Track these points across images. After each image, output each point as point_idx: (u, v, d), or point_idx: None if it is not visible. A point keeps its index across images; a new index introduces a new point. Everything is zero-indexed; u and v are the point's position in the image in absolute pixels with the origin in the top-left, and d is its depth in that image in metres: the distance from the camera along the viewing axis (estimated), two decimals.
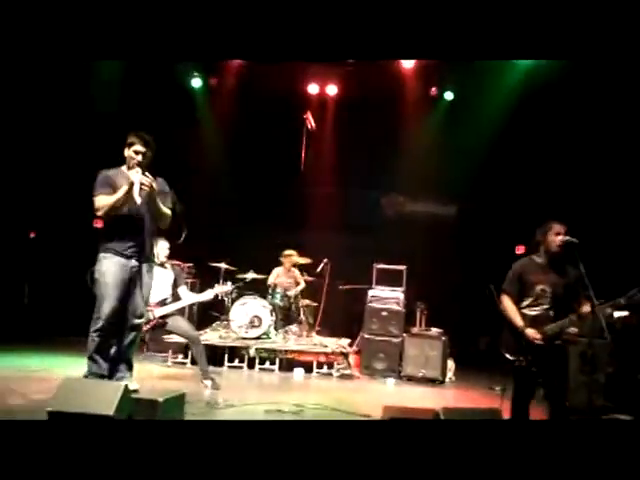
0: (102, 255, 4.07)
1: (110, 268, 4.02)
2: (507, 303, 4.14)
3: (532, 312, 4.05)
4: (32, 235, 8.95)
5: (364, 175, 9.56)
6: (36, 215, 8.84)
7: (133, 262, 4.09)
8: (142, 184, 3.98)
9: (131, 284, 4.10)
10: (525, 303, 4.09)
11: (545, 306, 4.02)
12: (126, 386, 3.45)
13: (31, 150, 8.36)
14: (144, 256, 4.16)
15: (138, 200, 4.05)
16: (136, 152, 4.12)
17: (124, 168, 4.22)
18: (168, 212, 4.26)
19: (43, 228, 8.86)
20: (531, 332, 3.95)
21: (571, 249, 3.95)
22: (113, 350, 4.14)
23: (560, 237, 3.98)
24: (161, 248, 6.17)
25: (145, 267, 4.18)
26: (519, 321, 4.03)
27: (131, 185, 3.99)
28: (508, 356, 4.05)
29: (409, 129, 9.39)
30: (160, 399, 3.76)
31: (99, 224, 4.17)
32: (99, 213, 4.02)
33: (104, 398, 3.32)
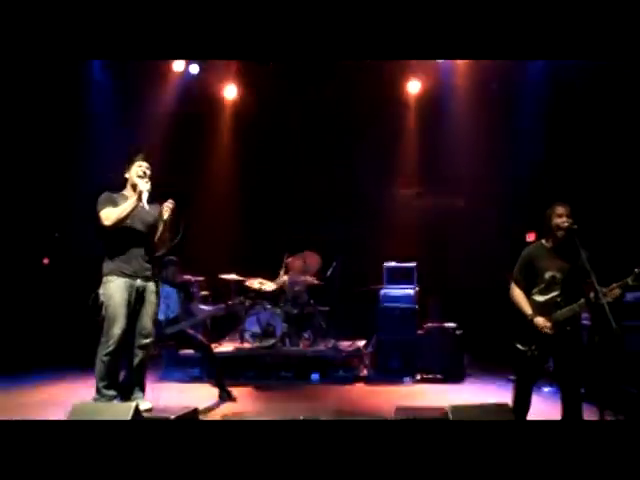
0: (107, 278, 4.11)
1: (117, 290, 4.06)
2: (516, 291, 4.10)
3: (541, 299, 4.00)
4: (46, 262, 9.08)
5: (371, 171, 9.52)
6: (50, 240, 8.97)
7: (139, 282, 4.14)
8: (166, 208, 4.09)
9: (137, 304, 4.14)
10: (535, 290, 4.03)
11: (555, 292, 3.96)
12: (137, 406, 3.50)
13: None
14: (149, 275, 4.21)
15: (146, 207, 4.10)
16: (139, 166, 4.20)
17: (125, 192, 4.28)
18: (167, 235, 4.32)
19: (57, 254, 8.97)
20: (540, 321, 3.91)
21: (572, 234, 3.91)
22: (124, 373, 4.19)
23: (563, 219, 3.93)
24: (170, 266, 6.25)
25: (150, 286, 4.22)
26: (528, 310, 3.98)
27: (140, 194, 4.06)
28: (519, 346, 4.01)
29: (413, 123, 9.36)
30: (172, 417, 3.81)
31: (106, 239, 4.18)
32: (107, 223, 4.05)
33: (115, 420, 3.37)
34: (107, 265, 4.16)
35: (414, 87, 9.23)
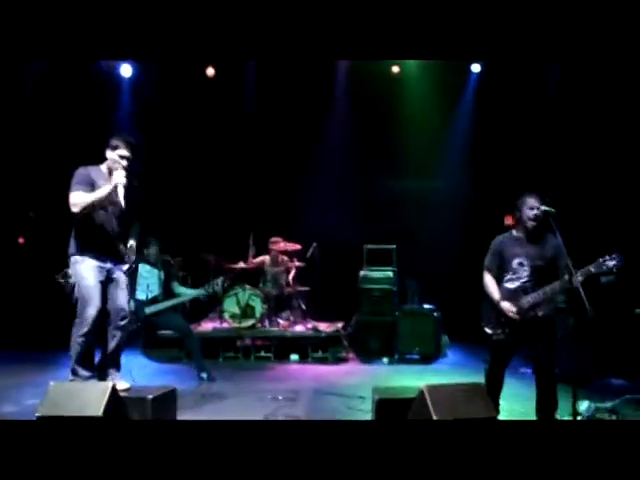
0: (76, 258, 4.02)
1: (88, 271, 3.99)
2: (487, 278, 4.19)
3: (511, 286, 4.08)
4: (21, 241, 8.95)
5: (351, 154, 9.52)
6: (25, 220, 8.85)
7: (108, 264, 4.09)
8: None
9: (110, 285, 4.10)
10: (506, 277, 4.12)
11: (523, 279, 4.04)
12: (114, 386, 3.48)
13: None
14: (119, 257, 4.16)
15: (122, 202, 4.03)
16: (121, 157, 4.11)
17: (103, 168, 4.19)
18: None
19: (32, 234, 8.86)
20: (506, 305, 3.99)
21: (547, 218, 3.95)
22: (100, 354, 4.16)
23: (534, 211, 3.98)
24: (152, 245, 6.21)
25: (121, 268, 4.18)
26: (496, 295, 4.08)
27: (116, 187, 3.99)
28: (487, 330, 4.11)
29: (396, 107, 9.35)
30: (149, 396, 3.80)
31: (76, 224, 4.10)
32: (75, 209, 3.94)
33: (92, 400, 3.35)
34: (76, 244, 4.04)
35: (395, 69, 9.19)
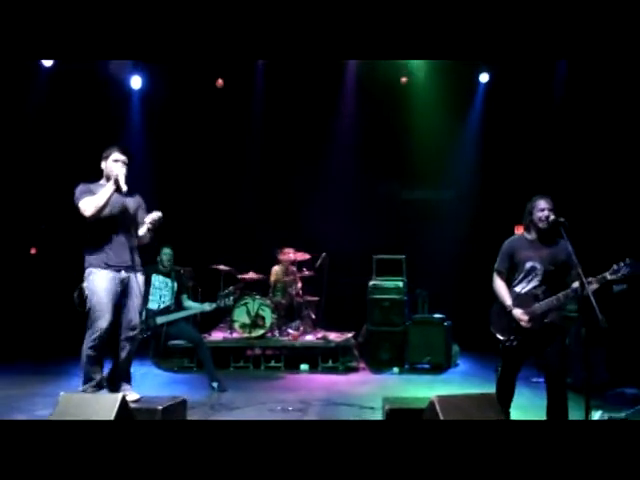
0: (90, 270, 4.06)
1: (101, 283, 4.01)
2: (497, 282, 4.12)
3: (522, 290, 4.01)
4: (33, 252, 9.04)
5: (360, 164, 9.55)
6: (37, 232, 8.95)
7: (123, 274, 4.10)
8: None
9: (122, 296, 4.11)
10: (516, 281, 4.05)
11: (535, 283, 3.97)
12: (124, 397, 3.49)
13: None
14: (132, 267, 4.18)
15: (125, 188, 4.06)
16: (115, 160, 4.15)
17: (102, 182, 4.23)
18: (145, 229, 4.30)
19: (44, 245, 8.94)
20: (518, 312, 3.93)
21: (558, 227, 3.92)
22: (110, 366, 4.18)
23: (545, 213, 3.95)
24: (165, 255, 6.24)
25: (135, 278, 4.19)
26: (508, 300, 4.00)
27: (116, 179, 4.03)
28: (499, 336, 4.04)
29: (405, 117, 9.38)
30: (159, 407, 3.81)
31: (86, 233, 4.14)
32: (87, 213, 3.98)
33: (102, 411, 3.36)
34: (89, 258, 4.08)
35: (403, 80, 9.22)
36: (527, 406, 4.81)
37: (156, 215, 4.24)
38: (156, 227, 4.26)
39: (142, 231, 4.26)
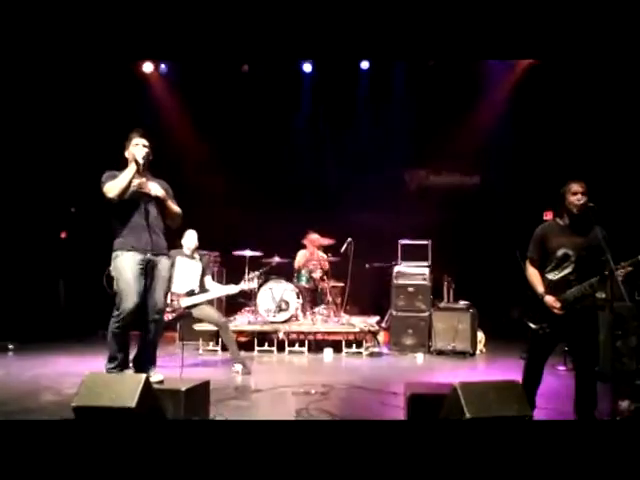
0: (117, 253, 4.11)
1: (127, 264, 4.06)
2: (530, 270, 4.06)
3: (555, 277, 3.95)
4: (63, 235, 9.20)
5: (386, 150, 9.48)
6: (67, 215, 9.10)
7: (149, 256, 4.14)
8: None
9: (149, 279, 4.15)
10: (548, 268, 3.98)
11: (568, 270, 3.90)
12: (147, 378, 3.52)
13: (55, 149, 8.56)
14: (158, 250, 4.21)
15: (141, 161, 4.09)
16: (136, 144, 4.18)
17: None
18: (178, 210, 4.31)
19: (74, 228, 9.10)
20: (550, 300, 3.87)
21: (589, 213, 3.83)
22: (137, 348, 4.23)
23: (578, 197, 3.87)
24: (190, 238, 6.28)
25: (161, 260, 4.23)
26: (540, 288, 3.94)
27: (136, 161, 4.07)
28: (531, 324, 3.98)
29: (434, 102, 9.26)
30: (182, 388, 3.85)
31: (111, 218, 4.18)
32: (111, 195, 4.02)
33: (126, 391, 3.41)
34: (117, 241, 4.14)
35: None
36: (552, 395, 4.74)
37: (155, 189, 4.21)
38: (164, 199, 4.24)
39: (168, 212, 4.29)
